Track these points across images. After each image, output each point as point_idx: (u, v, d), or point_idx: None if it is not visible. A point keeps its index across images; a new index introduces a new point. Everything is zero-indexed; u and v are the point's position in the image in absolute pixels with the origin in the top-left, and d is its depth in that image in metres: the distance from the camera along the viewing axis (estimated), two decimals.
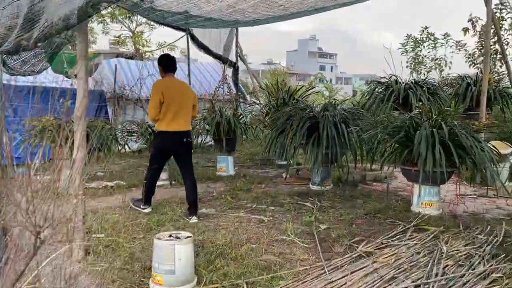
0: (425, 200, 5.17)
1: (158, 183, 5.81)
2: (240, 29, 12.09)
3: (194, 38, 11.86)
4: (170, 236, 3.39)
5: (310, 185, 6.80)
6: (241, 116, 7.97)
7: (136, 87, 11.49)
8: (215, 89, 10.54)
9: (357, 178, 7.19)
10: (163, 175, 7.00)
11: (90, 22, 16.80)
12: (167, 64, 5.15)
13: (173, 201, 5.87)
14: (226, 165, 7.85)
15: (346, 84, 70.60)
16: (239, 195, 6.20)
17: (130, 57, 16.10)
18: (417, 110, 5.66)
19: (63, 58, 15.78)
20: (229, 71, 12.99)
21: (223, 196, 6.19)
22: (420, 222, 4.71)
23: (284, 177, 6.71)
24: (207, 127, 7.59)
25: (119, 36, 16.83)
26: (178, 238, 3.35)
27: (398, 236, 4.29)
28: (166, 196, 6.17)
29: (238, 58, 12.62)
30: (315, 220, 4.95)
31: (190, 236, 3.39)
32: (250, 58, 30.62)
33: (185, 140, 5.09)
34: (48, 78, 12.76)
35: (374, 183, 7.07)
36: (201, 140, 7.80)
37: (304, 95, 8.50)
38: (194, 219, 4.96)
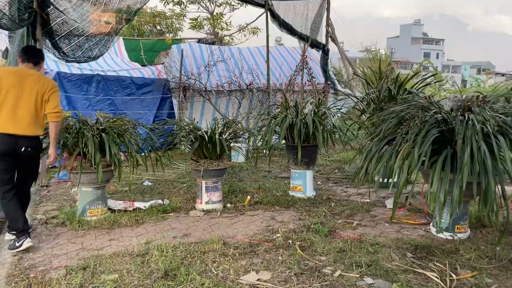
0: None
1: (207, 207, 4.76)
2: (335, 16, 9.62)
3: (275, 16, 9.71)
4: None
5: (431, 227, 4.28)
6: (326, 115, 5.62)
7: (204, 75, 9.69)
8: (291, 77, 8.24)
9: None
10: (216, 195, 5.03)
11: (172, 4, 15.49)
12: (21, 53, 4.20)
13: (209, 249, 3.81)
14: (302, 183, 5.61)
15: (454, 72, 63.19)
16: (316, 243, 3.93)
17: (212, 42, 14.46)
18: None
19: (140, 46, 14.70)
20: (317, 56, 10.60)
21: (290, 242, 3.98)
22: None
23: (391, 217, 4.32)
24: (277, 128, 5.40)
25: (196, 19, 15.27)
26: None
27: None
28: (203, 234, 4.14)
29: (329, 39, 10.18)
30: None
31: None
32: (345, 46, 27.62)
33: (23, 149, 3.87)
34: (122, 66, 11.53)
35: None
36: (273, 142, 5.62)
37: (419, 87, 5.88)
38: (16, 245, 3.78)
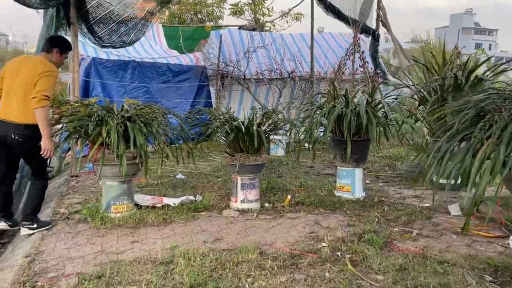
0: None
1: (243, 206, 4.43)
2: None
3: None
4: None
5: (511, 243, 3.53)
6: (380, 106, 4.92)
7: (243, 62, 9.12)
8: (340, 62, 7.49)
9: None
10: (253, 193, 4.50)
11: None
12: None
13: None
14: (350, 182, 4.95)
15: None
16: (370, 257, 3.28)
17: (252, 29, 13.86)
18: None
19: (179, 33, 14.34)
20: (366, 42, 9.77)
21: (338, 254, 3.36)
22: None
23: (462, 228, 3.59)
24: (323, 120, 4.75)
25: (236, 4, 14.68)
26: None
27: None
28: (238, 239, 3.60)
29: (379, 24, 9.33)
30: None
31: None
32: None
33: (12, 136, 3.72)
34: (161, 53, 11.19)
35: None
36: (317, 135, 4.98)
37: (491, 75, 5.03)
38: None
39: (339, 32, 11.46)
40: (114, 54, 9.58)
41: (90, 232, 3.89)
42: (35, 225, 3.94)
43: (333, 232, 3.87)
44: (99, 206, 4.40)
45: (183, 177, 6.17)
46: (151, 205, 4.60)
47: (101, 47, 8.84)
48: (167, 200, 4.65)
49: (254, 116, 4.74)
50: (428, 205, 4.73)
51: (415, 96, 5.69)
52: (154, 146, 4.26)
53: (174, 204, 4.58)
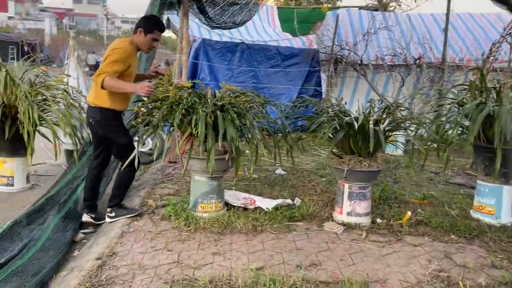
0: None
1: (349, 219, 3.72)
2: None
3: None
4: None
5: None
6: None
7: (361, 45, 8.07)
8: (491, 47, 6.04)
9: None
10: (362, 205, 3.69)
11: None
12: None
13: None
14: (495, 203, 3.79)
15: None
16: None
17: (375, 9, 12.53)
18: None
19: (294, 15, 13.63)
20: None
21: None
22: None
23: None
24: (459, 118, 3.65)
25: None
26: None
27: None
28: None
29: None
30: None
31: None
32: None
33: (87, 118, 3.77)
34: (273, 36, 10.66)
35: None
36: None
37: None
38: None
39: (480, 13, 9.63)
40: (226, 36, 9.27)
41: (171, 234, 3.44)
42: (113, 214, 3.77)
43: (472, 275, 2.86)
44: (186, 203, 3.97)
45: (283, 172, 5.52)
46: (242, 205, 4.03)
47: (211, 28, 8.58)
48: (260, 202, 4.03)
49: (372, 110, 3.84)
50: None
51: None
52: (247, 140, 3.63)
53: (267, 208, 3.95)
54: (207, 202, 3.83)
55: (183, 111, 3.44)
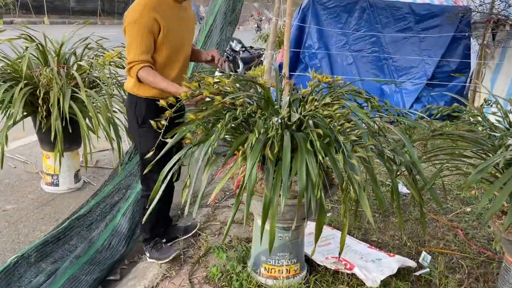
0: None
1: None
2: None
3: None
4: None
5: None
6: None
7: None
8: None
9: None
10: None
11: None
12: None
13: None
14: None
15: None
16: None
17: None
18: None
19: None
20: None
21: None
22: None
23: None
24: None
25: None
26: None
27: None
28: None
29: None
30: None
31: None
32: None
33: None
34: None
35: None
36: None
37: None
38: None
39: None
40: None
41: None
42: (147, 254, 2.74)
43: None
44: (244, 259, 2.63)
45: (406, 191, 3.83)
46: (334, 268, 2.55)
47: None
48: (360, 271, 2.49)
49: None
50: None
51: None
52: (340, 185, 2.05)
53: (374, 282, 2.40)
54: (274, 263, 2.43)
55: (232, 124, 2.02)
